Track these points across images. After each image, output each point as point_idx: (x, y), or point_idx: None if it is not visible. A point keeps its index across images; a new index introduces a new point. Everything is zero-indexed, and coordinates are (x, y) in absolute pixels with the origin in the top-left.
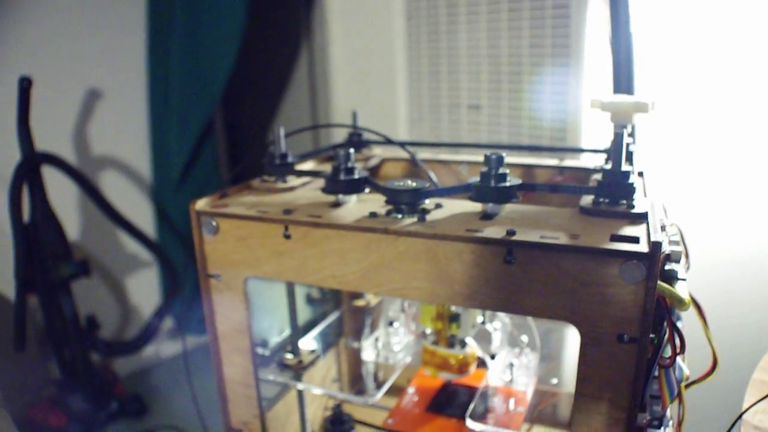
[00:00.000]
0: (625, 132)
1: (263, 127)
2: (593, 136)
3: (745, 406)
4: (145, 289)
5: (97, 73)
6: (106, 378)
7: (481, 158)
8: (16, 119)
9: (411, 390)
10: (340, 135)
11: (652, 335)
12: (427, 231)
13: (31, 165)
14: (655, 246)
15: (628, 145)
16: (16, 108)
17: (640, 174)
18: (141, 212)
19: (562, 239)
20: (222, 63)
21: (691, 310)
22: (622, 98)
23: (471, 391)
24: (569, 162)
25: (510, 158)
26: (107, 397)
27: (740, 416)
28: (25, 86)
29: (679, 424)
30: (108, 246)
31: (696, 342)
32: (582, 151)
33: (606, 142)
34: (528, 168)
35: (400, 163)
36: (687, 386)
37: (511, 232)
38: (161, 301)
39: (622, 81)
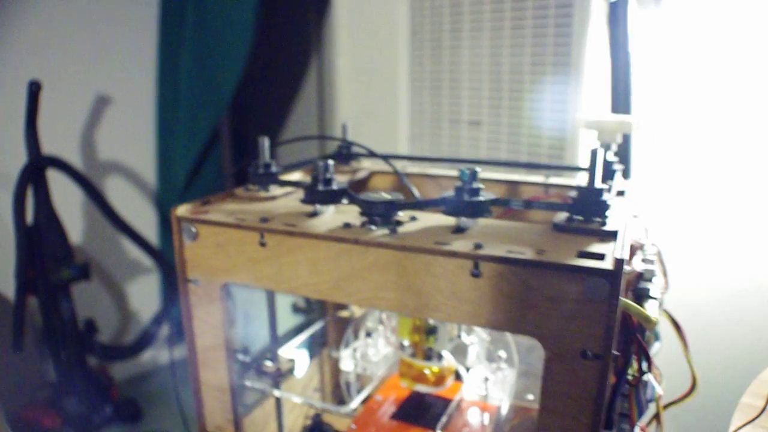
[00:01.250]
0: (602, 151)
1: (270, 136)
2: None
3: (731, 429)
4: (144, 294)
5: (106, 79)
6: (102, 382)
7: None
8: (24, 122)
9: (378, 398)
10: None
11: (616, 352)
12: (396, 243)
13: (36, 168)
14: (619, 263)
15: (611, 163)
16: (25, 111)
17: (621, 193)
18: (144, 218)
19: (528, 254)
20: (231, 71)
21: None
22: (606, 117)
23: (438, 401)
24: (556, 179)
25: (497, 174)
26: (102, 400)
27: None
28: (34, 90)
29: None
30: (109, 250)
31: (683, 364)
32: (567, 168)
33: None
34: (514, 185)
35: (388, 176)
36: (666, 407)
37: (478, 246)
38: (160, 307)
39: (620, 100)
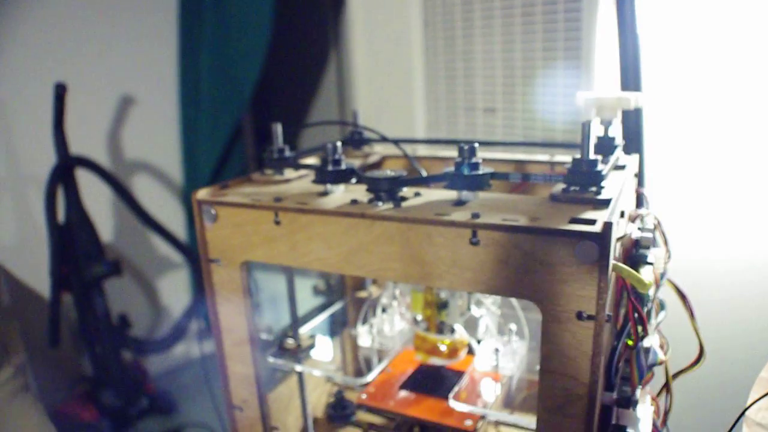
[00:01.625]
0: (595, 123)
1: (292, 131)
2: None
3: (749, 402)
4: (175, 289)
5: (130, 80)
6: (137, 375)
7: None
8: (51, 124)
9: (389, 370)
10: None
11: (609, 313)
12: (399, 215)
13: (66, 168)
14: (607, 226)
15: (612, 139)
16: (52, 113)
17: (621, 167)
18: (172, 214)
19: (522, 221)
20: (251, 68)
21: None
22: (605, 94)
23: (444, 372)
24: (561, 157)
25: (505, 154)
26: (138, 394)
27: (743, 412)
28: (60, 92)
29: (666, 413)
30: (139, 247)
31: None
32: (569, 146)
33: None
34: (520, 164)
35: (399, 161)
36: (674, 376)
37: (475, 215)
38: (191, 301)
39: (630, 83)
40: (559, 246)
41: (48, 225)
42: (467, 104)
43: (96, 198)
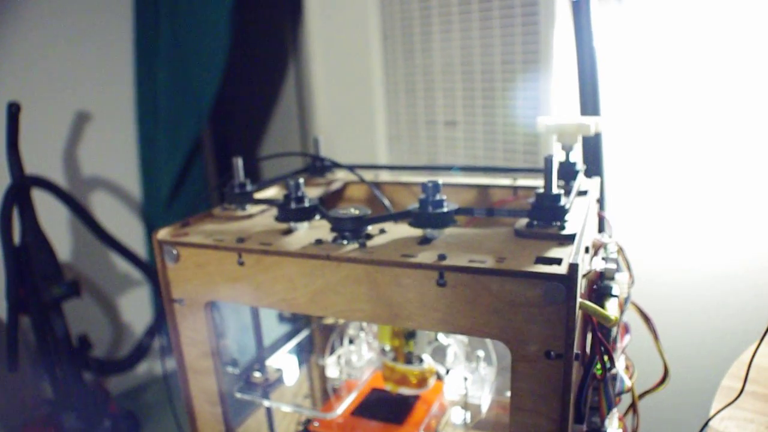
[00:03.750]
0: (558, 157)
1: (252, 145)
2: (555, 151)
3: (712, 412)
4: (136, 307)
5: (84, 95)
6: (99, 396)
7: (440, 178)
8: (5, 144)
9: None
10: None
11: (577, 351)
12: (366, 257)
13: (21, 188)
14: (573, 268)
15: (574, 164)
16: (5, 133)
17: (583, 193)
18: (131, 232)
19: (489, 263)
20: (209, 82)
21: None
22: (566, 120)
23: (396, 397)
24: (524, 182)
25: (467, 179)
26: (101, 415)
27: (707, 422)
28: (13, 111)
29: None
30: (99, 266)
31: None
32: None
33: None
34: (483, 188)
35: (362, 186)
36: (641, 396)
37: (441, 257)
38: (152, 319)
39: (588, 97)
40: (526, 287)
41: (3, 247)
42: (428, 117)
43: (53, 218)
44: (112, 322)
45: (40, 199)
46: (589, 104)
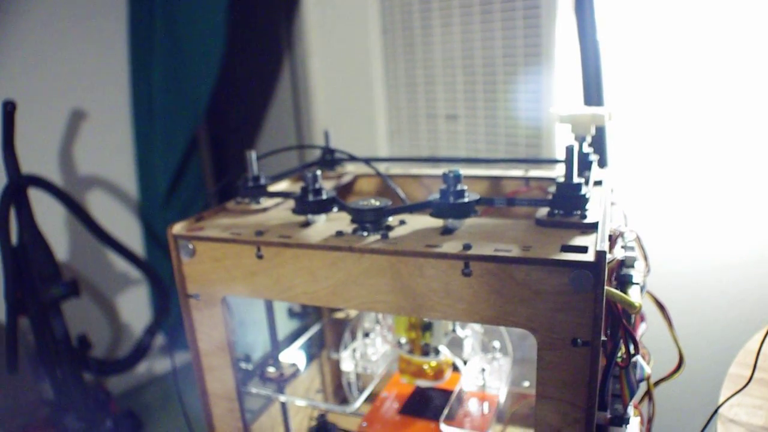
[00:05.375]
0: (577, 146)
1: (248, 141)
2: (567, 142)
3: (722, 400)
4: (135, 306)
5: (80, 93)
6: (99, 396)
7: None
8: (1, 143)
9: (385, 395)
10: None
11: (603, 338)
12: (389, 248)
13: (17, 188)
14: (600, 255)
15: (587, 155)
16: (1, 132)
17: (598, 183)
18: (129, 230)
19: (515, 251)
20: (204, 79)
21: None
22: (580, 110)
23: (443, 394)
24: (535, 172)
25: (478, 171)
26: (101, 415)
27: (716, 410)
28: (9, 110)
29: (649, 421)
30: (97, 265)
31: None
32: (548, 162)
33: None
34: (495, 180)
35: (372, 179)
36: (656, 384)
37: (467, 247)
38: (152, 318)
39: (592, 89)
40: (553, 275)
41: (1, 248)
42: (429, 111)
43: (50, 217)
44: (112, 321)
45: (37, 198)
46: (593, 96)
